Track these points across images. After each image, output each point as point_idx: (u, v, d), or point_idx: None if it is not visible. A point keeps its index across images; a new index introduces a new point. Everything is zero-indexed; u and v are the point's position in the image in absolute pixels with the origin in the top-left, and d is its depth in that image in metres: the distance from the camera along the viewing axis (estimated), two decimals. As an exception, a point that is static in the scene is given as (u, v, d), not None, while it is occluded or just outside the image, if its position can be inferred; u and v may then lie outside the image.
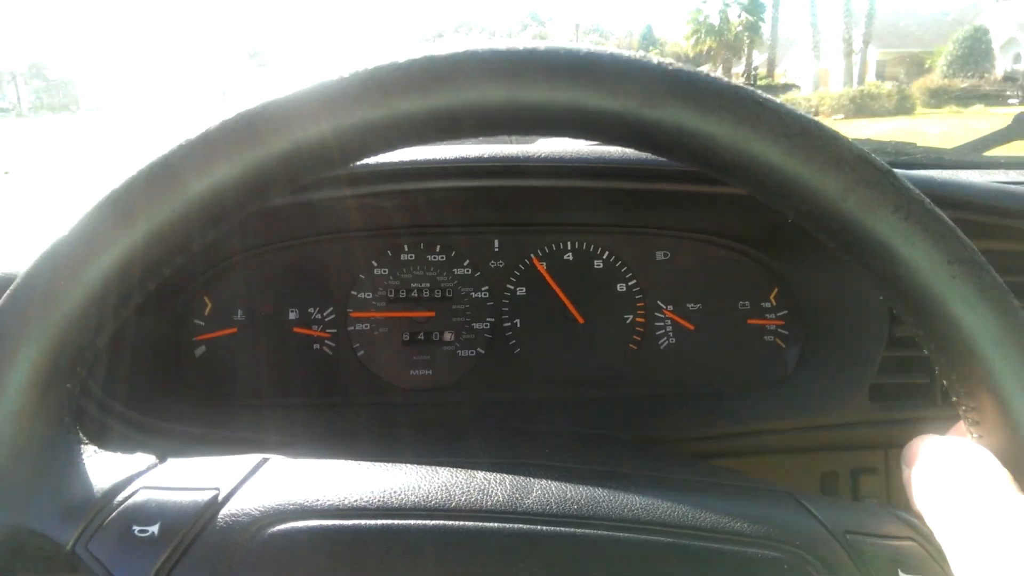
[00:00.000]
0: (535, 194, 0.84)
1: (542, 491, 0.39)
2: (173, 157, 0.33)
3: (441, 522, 0.36)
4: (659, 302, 0.89)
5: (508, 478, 0.40)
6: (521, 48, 0.33)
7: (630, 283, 0.89)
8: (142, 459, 0.38)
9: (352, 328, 0.87)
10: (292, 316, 0.86)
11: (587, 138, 0.36)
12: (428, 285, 0.88)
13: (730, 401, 0.83)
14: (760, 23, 31.23)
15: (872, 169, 0.33)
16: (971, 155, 1.18)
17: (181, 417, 0.78)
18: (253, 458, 0.40)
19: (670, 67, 0.34)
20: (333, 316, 0.86)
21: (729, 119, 0.33)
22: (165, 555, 0.34)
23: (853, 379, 0.80)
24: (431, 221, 0.87)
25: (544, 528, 0.37)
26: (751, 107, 0.33)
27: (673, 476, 0.49)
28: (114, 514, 0.35)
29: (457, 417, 0.84)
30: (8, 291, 0.34)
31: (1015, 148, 1.20)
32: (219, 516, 0.35)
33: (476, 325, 0.89)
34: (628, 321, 0.89)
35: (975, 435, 0.35)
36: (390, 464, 0.41)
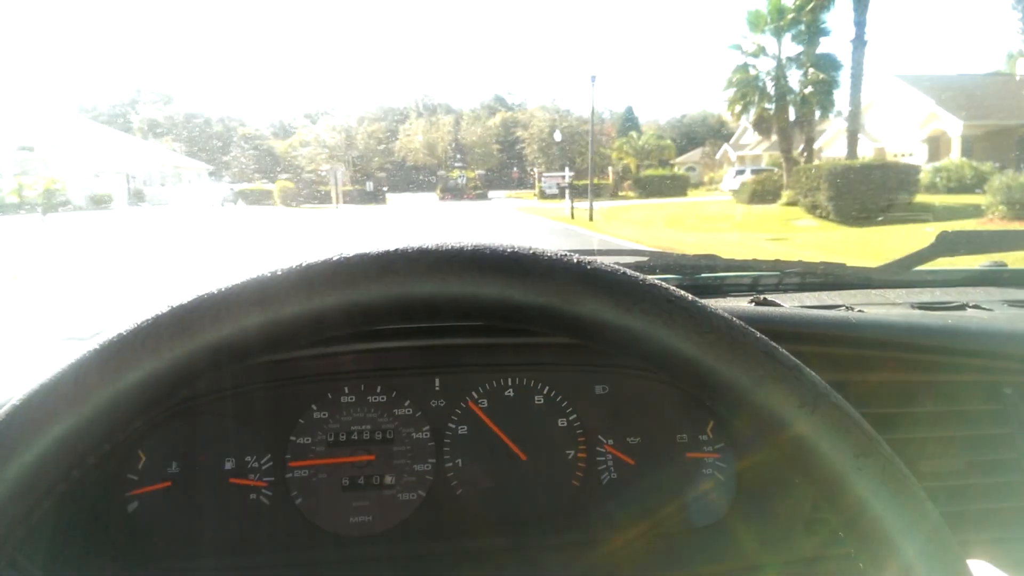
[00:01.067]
0: (471, 343, 0.86)
1: None
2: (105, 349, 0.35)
3: None
4: (599, 436, 0.90)
5: None
6: (452, 247, 0.37)
7: (570, 418, 0.91)
8: None
9: (290, 476, 0.86)
10: (228, 466, 0.85)
11: (518, 326, 0.39)
12: (369, 427, 0.88)
13: (671, 542, 0.83)
14: (835, 83, 21.08)
15: (778, 365, 0.36)
16: (899, 273, 1.23)
17: None
18: None
19: (589, 266, 0.37)
20: (270, 464, 0.86)
21: (642, 317, 0.36)
22: None
23: (789, 514, 0.81)
24: (372, 366, 0.88)
25: None
26: (663, 305, 0.36)
27: None
28: None
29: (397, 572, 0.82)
30: None
31: (940, 264, 1.26)
32: None
33: (417, 467, 0.88)
34: (570, 457, 0.90)
35: None
36: None
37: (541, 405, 0.91)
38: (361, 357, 0.87)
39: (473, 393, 0.90)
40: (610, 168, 36.37)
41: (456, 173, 40.40)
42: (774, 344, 0.37)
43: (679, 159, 41.34)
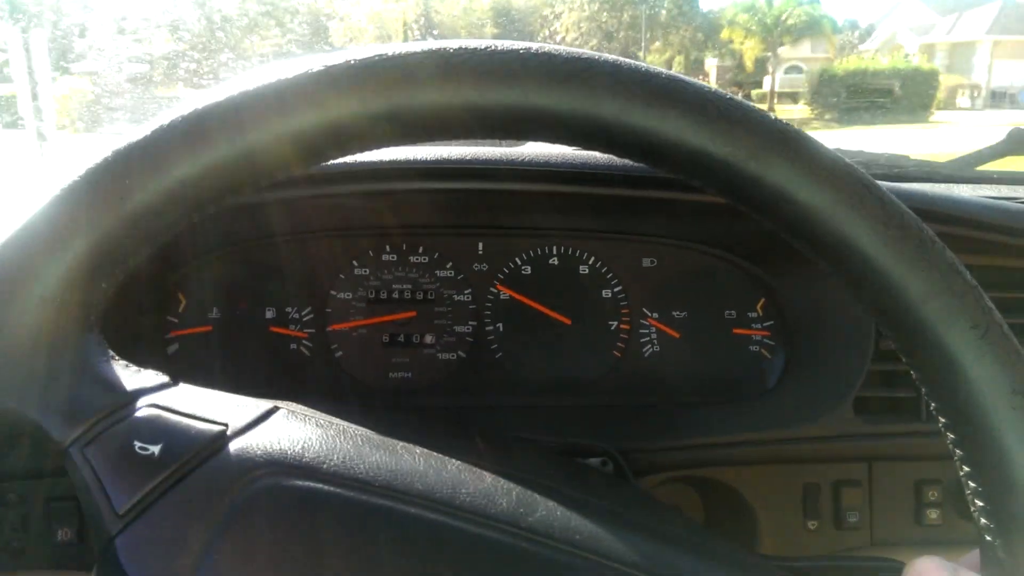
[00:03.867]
0: (521, 198, 0.83)
1: (547, 513, 0.38)
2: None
3: (441, 518, 0.35)
4: (644, 309, 0.88)
5: (515, 489, 0.39)
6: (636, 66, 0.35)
7: (615, 289, 0.88)
8: (156, 377, 0.37)
9: (331, 329, 0.85)
10: (269, 315, 0.84)
11: (670, 172, 0.36)
12: (410, 287, 0.86)
13: (713, 411, 0.82)
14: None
15: (960, 280, 0.33)
16: (964, 170, 1.17)
17: None
18: (266, 403, 0.39)
19: (787, 129, 0.34)
20: (311, 316, 0.85)
21: (832, 196, 0.33)
22: (159, 479, 0.33)
23: (837, 392, 0.79)
24: (414, 222, 0.85)
25: (544, 552, 0.35)
26: (857, 187, 0.33)
27: (673, 532, 0.48)
28: (118, 425, 0.34)
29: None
30: (68, 183, 0.34)
31: (1008, 163, 1.19)
32: (221, 454, 0.34)
33: (458, 328, 0.87)
34: (613, 328, 0.88)
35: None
36: (400, 442, 0.40)
37: (586, 275, 0.88)
38: (403, 213, 0.84)
39: (516, 259, 0.88)
40: (713, 64, 28.01)
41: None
42: (957, 259, 0.34)
43: (790, 55, 29.06)
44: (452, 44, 0.34)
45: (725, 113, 0.34)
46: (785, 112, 22.09)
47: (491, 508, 0.36)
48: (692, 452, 0.79)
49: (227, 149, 0.34)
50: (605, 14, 27.60)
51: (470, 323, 0.87)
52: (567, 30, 29.09)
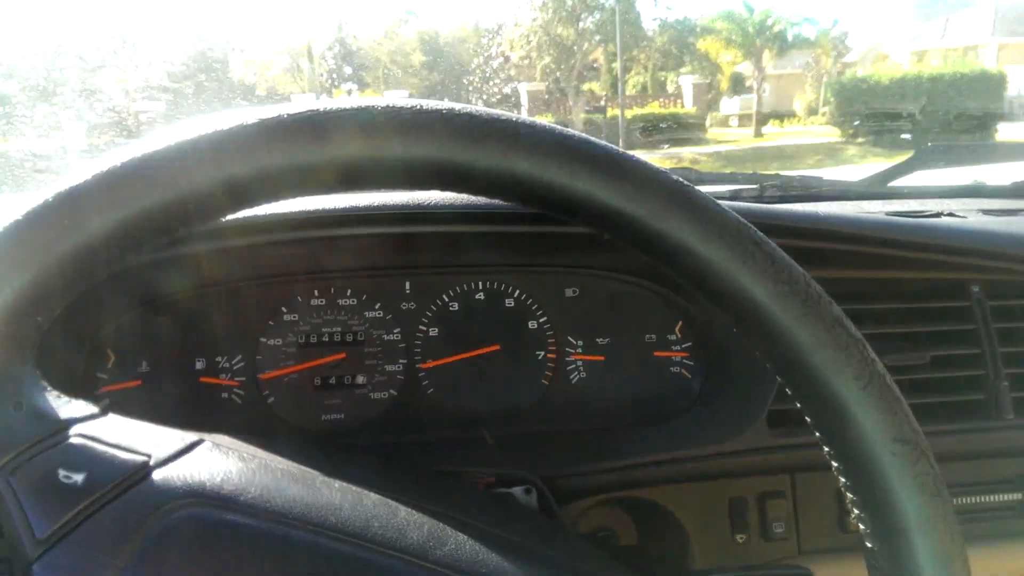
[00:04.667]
0: (442, 238, 0.86)
1: (455, 547, 0.39)
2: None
3: (352, 550, 0.36)
4: (569, 338, 0.91)
5: (427, 523, 0.40)
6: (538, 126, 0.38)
7: (541, 320, 0.91)
8: (84, 407, 0.38)
9: (262, 376, 0.86)
10: (199, 366, 0.85)
11: (582, 224, 0.39)
12: (339, 329, 0.88)
13: (637, 432, 0.85)
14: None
15: (845, 333, 0.36)
16: (876, 186, 1.23)
17: None
18: (192, 436, 0.40)
19: (684, 188, 0.38)
20: (242, 364, 0.86)
21: (726, 253, 0.36)
22: (80, 507, 0.34)
23: (753, 406, 0.83)
24: (340, 266, 0.88)
25: None
26: (748, 246, 0.37)
27: (582, 567, 0.50)
28: (45, 453, 0.35)
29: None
30: (8, 222, 0.36)
31: (917, 179, 1.25)
32: (142, 484, 0.35)
33: (388, 367, 0.89)
34: (540, 357, 0.91)
35: None
36: (320, 476, 0.41)
37: (512, 308, 0.91)
38: (330, 258, 0.86)
39: (444, 296, 0.90)
40: (688, 82, 22.79)
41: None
42: (842, 313, 0.37)
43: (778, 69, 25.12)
44: (380, 103, 0.37)
45: (631, 173, 0.37)
46: (809, 134, 18.39)
47: (401, 541, 0.38)
48: (619, 474, 0.82)
49: (159, 194, 0.36)
50: (560, 25, 23.71)
51: (400, 361, 0.89)
52: (512, 46, 25.21)
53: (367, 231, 0.82)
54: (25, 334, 0.37)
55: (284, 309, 0.87)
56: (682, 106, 21.81)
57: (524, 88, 21.97)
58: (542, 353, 0.91)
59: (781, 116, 24.23)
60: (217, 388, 0.86)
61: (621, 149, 0.39)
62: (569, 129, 0.39)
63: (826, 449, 0.38)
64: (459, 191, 0.40)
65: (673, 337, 0.91)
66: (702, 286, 0.38)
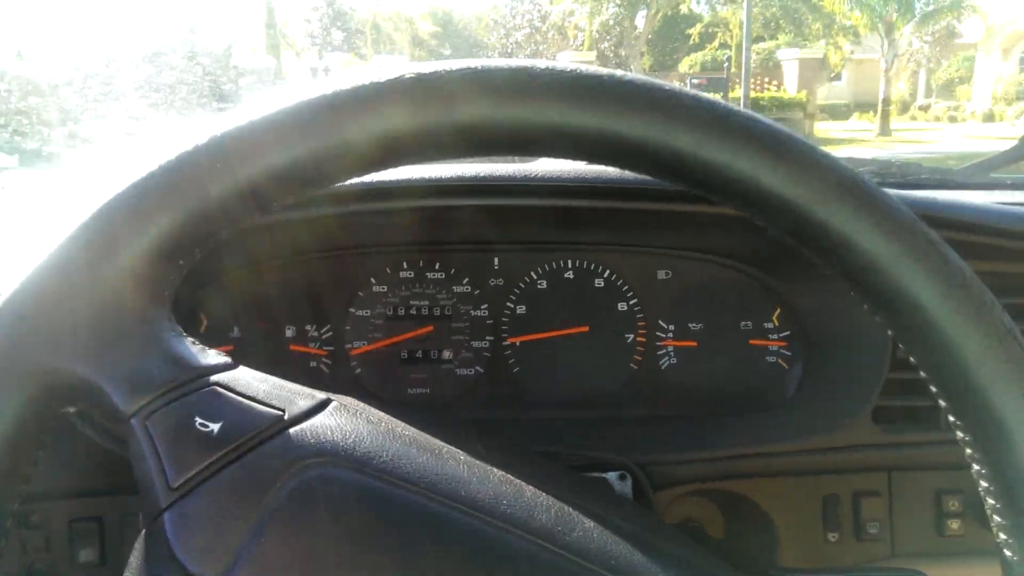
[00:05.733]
0: (536, 213, 0.84)
1: (584, 533, 0.38)
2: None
3: (481, 526, 0.35)
4: (660, 321, 0.88)
5: (554, 505, 0.39)
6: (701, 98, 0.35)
7: (631, 302, 0.89)
8: (219, 357, 0.38)
9: (349, 345, 0.86)
10: (289, 334, 0.85)
11: (738, 207, 0.37)
12: (427, 303, 0.87)
13: (731, 423, 0.82)
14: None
15: (1017, 345, 0.34)
16: (977, 175, 1.17)
17: None
18: (320, 394, 0.40)
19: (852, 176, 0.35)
20: (330, 334, 0.86)
21: (897, 248, 0.34)
22: (215, 456, 0.34)
23: (855, 402, 0.79)
24: (430, 239, 0.86)
25: (580, 573, 0.36)
26: (923, 244, 0.34)
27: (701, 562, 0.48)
28: (182, 400, 0.35)
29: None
30: (160, 162, 0.35)
31: (1022, 168, 1.19)
32: (277, 438, 0.35)
33: (475, 343, 0.88)
34: (629, 340, 0.88)
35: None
36: (447, 446, 0.40)
37: (601, 288, 0.89)
38: (420, 230, 0.85)
39: (532, 273, 0.88)
40: (794, 56, 16.95)
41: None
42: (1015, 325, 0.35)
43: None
44: (542, 64, 0.35)
45: (798, 156, 0.34)
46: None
47: (531, 522, 0.37)
48: (711, 465, 0.79)
49: (314, 143, 0.35)
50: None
51: (487, 338, 0.88)
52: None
53: (459, 202, 0.80)
54: (166, 278, 0.37)
55: (373, 280, 0.86)
56: (783, 88, 16.70)
57: (566, 60, 18.25)
58: (631, 336, 0.88)
59: (865, 107, 20.58)
60: (306, 356, 0.86)
61: (789, 130, 0.36)
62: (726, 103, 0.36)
63: (976, 468, 0.35)
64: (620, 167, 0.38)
65: (770, 325, 0.88)
66: (861, 281, 0.35)
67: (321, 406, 0.38)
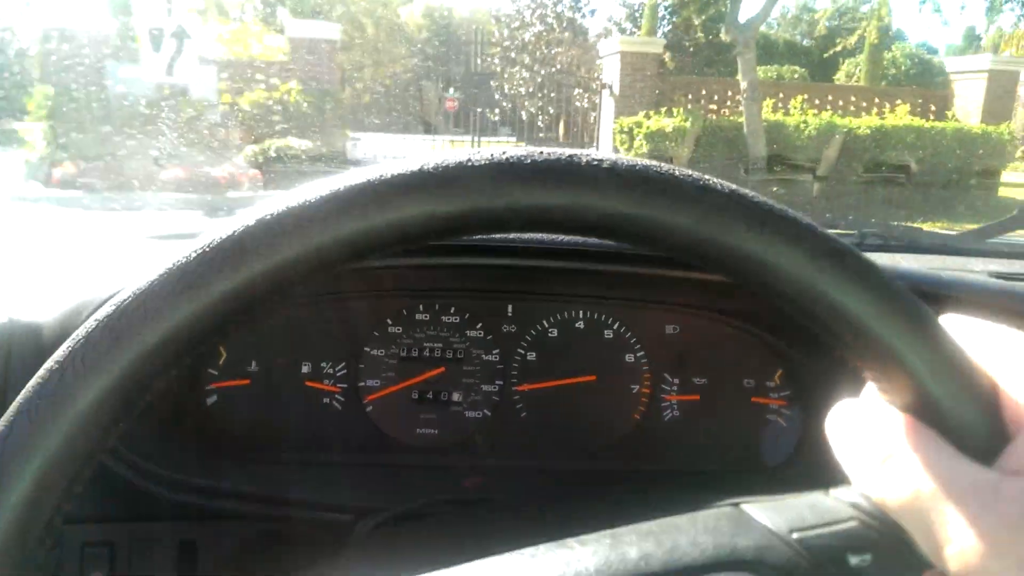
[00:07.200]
0: (551, 269, 0.86)
1: None
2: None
3: None
4: (666, 375, 0.91)
5: None
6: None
7: (638, 354, 0.91)
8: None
9: (362, 384, 0.88)
10: (305, 370, 0.87)
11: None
12: (440, 346, 0.90)
13: (729, 482, 0.84)
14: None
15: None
16: (976, 241, 1.20)
17: (185, 467, 0.78)
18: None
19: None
20: (345, 371, 0.88)
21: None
22: None
23: None
24: (447, 285, 0.89)
25: None
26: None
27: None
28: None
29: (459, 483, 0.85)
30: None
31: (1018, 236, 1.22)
32: None
33: (484, 387, 0.90)
34: (634, 391, 0.91)
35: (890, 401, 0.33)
36: None
37: (610, 339, 0.91)
38: (437, 277, 0.87)
39: (544, 322, 0.91)
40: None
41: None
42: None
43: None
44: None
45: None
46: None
47: None
48: None
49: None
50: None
51: (497, 382, 0.90)
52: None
53: (478, 261, 0.83)
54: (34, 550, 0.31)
55: (389, 321, 0.89)
56: (954, 116, 10.76)
57: (615, 44, 11.01)
58: (636, 387, 0.91)
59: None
60: (320, 393, 0.88)
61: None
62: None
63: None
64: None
65: (772, 384, 0.90)
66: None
67: None
